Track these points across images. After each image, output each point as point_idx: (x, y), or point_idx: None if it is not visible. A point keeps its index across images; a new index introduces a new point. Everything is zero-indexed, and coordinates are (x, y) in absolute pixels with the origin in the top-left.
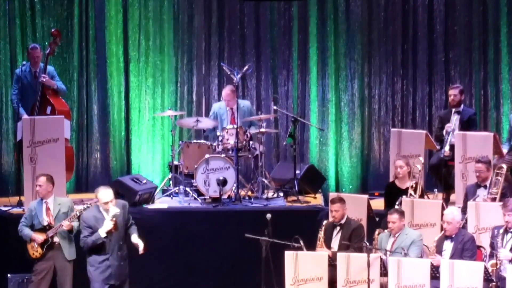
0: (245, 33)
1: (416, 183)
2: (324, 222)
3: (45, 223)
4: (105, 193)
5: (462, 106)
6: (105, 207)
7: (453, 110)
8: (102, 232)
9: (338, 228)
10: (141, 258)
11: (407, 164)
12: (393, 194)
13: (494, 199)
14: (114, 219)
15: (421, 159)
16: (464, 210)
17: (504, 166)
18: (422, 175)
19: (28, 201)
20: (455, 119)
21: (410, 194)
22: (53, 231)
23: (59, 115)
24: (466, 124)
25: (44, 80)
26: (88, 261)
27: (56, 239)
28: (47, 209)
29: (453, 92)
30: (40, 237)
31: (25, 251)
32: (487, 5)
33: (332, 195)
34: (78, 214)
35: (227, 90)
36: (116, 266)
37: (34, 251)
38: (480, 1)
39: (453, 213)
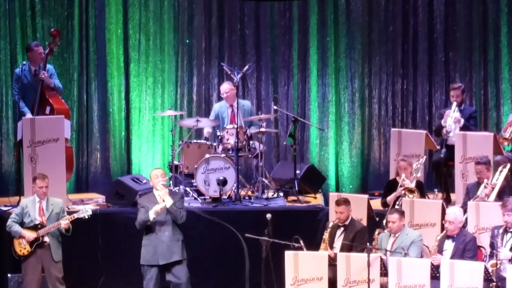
0: (245, 33)
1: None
2: (330, 224)
3: (37, 223)
4: (155, 170)
5: (463, 105)
6: (156, 181)
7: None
8: (151, 214)
9: (342, 229)
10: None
11: (410, 165)
12: (393, 191)
13: (492, 189)
14: (163, 200)
15: (422, 160)
16: (464, 209)
17: (508, 165)
18: (419, 170)
19: None
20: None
21: (406, 187)
22: (46, 230)
23: (59, 115)
24: (467, 121)
25: (43, 76)
26: (142, 244)
27: (46, 238)
28: (41, 208)
29: (456, 93)
30: (31, 235)
31: (11, 247)
32: (487, 5)
33: (333, 195)
34: (76, 217)
35: (225, 84)
36: (162, 246)
37: (22, 248)
38: (480, 1)
39: (455, 212)
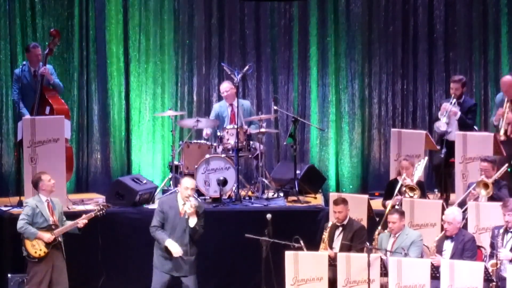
0: (245, 33)
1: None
2: (330, 224)
3: (51, 222)
4: (188, 180)
5: (463, 97)
6: (185, 193)
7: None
8: (165, 243)
9: (340, 228)
10: (141, 258)
11: (412, 165)
12: (394, 191)
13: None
14: (188, 217)
15: (424, 160)
16: (462, 206)
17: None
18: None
19: None
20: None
21: (407, 184)
22: (63, 230)
23: (59, 115)
24: (466, 114)
25: (44, 71)
26: (155, 246)
27: (59, 238)
28: (50, 208)
29: (455, 86)
30: (50, 236)
31: (24, 249)
32: (487, 5)
33: (333, 195)
34: (94, 215)
35: (225, 83)
36: (176, 260)
37: (37, 249)
38: (480, 1)
39: (454, 213)
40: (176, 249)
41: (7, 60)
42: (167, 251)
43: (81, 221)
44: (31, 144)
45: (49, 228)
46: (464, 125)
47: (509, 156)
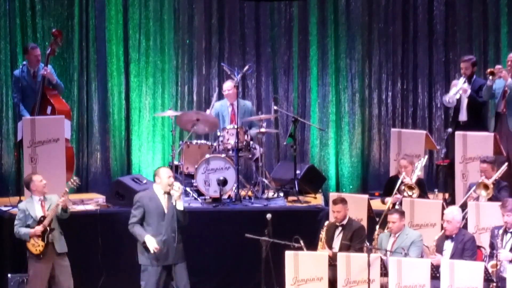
0: (245, 33)
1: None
2: (326, 223)
3: (39, 217)
4: (165, 169)
5: (474, 77)
6: (168, 181)
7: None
8: (145, 239)
9: (340, 228)
10: None
11: (411, 163)
12: (393, 188)
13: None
14: (175, 202)
15: (424, 159)
16: (463, 207)
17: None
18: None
19: None
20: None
21: (406, 183)
22: (49, 218)
23: (59, 115)
24: (476, 93)
25: (45, 73)
26: (139, 247)
27: (53, 226)
28: (42, 206)
29: (465, 65)
30: (38, 228)
31: (26, 250)
32: (487, 5)
33: (333, 195)
34: (67, 189)
35: (228, 82)
36: (170, 248)
37: (36, 246)
38: (480, 1)
39: (453, 212)
40: (153, 245)
41: (7, 60)
42: (160, 243)
43: (59, 201)
44: (31, 144)
45: (39, 222)
46: (475, 103)
47: (504, 133)
